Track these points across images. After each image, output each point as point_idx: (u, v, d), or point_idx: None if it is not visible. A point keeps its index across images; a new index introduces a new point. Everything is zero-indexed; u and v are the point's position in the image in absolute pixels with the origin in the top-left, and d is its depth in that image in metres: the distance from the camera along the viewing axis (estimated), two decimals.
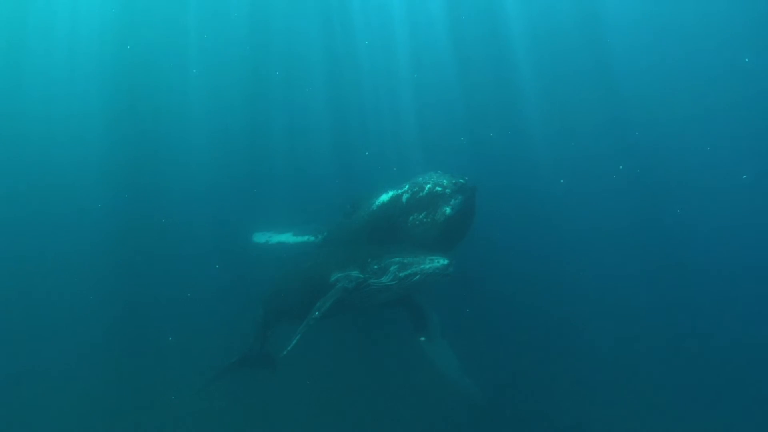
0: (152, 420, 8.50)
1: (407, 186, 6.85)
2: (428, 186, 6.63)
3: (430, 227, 6.69)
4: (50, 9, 15.81)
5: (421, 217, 6.72)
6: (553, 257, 13.34)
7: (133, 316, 11.32)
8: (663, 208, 14.52)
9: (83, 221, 14.06)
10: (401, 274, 6.10)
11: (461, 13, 15.95)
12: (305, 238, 8.75)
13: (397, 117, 16.03)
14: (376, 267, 6.25)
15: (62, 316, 11.50)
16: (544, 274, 12.56)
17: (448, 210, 6.52)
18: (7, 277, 12.64)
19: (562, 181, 13.30)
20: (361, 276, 6.33)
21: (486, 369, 8.19)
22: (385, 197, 7.06)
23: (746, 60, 13.46)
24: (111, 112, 15.53)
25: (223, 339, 9.51)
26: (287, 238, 8.97)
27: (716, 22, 14.49)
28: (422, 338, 7.41)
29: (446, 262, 5.96)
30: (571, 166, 13.90)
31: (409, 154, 15.34)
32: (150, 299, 11.62)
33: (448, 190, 6.51)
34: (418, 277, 6.05)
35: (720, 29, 14.31)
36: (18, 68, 16.08)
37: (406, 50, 16.31)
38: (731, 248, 13.46)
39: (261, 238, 9.38)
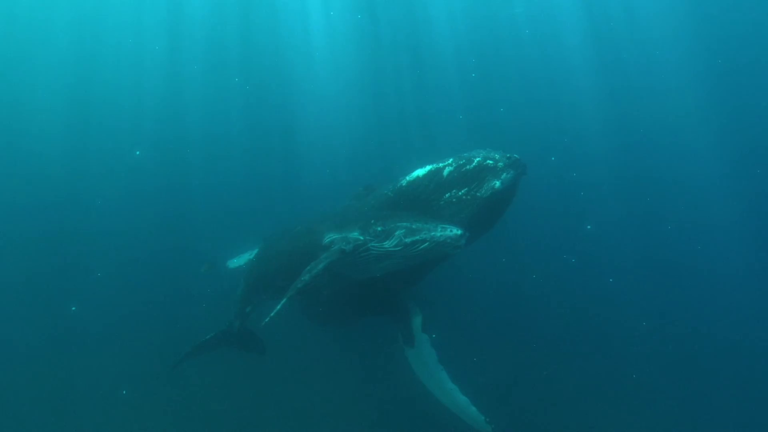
0: (152, 419, 8.16)
1: (451, 159, 6.14)
2: (477, 159, 5.96)
3: (466, 206, 5.97)
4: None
5: (460, 193, 6.02)
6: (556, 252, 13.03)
7: (133, 313, 10.83)
8: (667, 206, 14.43)
9: (84, 221, 13.63)
10: (407, 240, 5.37)
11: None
12: None
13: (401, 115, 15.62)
14: (379, 229, 5.52)
15: (61, 315, 10.88)
16: (547, 271, 12.25)
17: (497, 184, 5.87)
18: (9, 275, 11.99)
19: (574, 174, 12.96)
20: (361, 238, 5.57)
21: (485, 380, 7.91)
22: (420, 172, 6.29)
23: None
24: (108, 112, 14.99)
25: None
26: None
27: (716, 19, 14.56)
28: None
29: (460, 232, 5.29)
30: (582, 157, 13.62)
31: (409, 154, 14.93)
32: (150, 295, 11.28)
33: (500, 164, 5.86)
34: (426, 245, 5.32)
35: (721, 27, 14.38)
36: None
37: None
38: (740, 247, 13.40)
39: (238, 262, 8.75)
